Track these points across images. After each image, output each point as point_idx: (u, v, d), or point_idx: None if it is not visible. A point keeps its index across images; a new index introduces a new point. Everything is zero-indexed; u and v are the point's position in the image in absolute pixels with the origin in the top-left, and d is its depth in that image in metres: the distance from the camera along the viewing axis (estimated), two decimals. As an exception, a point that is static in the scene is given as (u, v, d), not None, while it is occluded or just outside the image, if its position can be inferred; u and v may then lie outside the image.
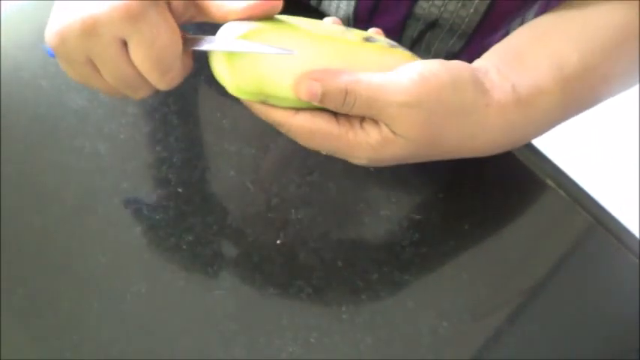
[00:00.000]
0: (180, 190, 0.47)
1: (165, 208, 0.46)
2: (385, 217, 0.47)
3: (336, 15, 0.55)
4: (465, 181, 0.50)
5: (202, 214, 0.46)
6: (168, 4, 0.36)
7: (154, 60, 0.36)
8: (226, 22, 0.37)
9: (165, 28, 0.35)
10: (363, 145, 0.37)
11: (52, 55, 0.38)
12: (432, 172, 0.49)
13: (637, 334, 0.45)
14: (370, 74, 0.35)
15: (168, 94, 0.51)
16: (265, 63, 0.36)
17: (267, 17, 0.36)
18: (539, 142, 0.51)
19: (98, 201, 0.46)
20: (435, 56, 0.53)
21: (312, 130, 0.37)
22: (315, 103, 0.36)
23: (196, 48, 0.37)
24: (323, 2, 0.56)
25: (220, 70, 0.37)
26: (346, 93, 0.35)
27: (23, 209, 0.46)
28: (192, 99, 0.51)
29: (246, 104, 0.38)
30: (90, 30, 0.35)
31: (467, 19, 0.51)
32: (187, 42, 0.37)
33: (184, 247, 0.45)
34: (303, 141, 0.38)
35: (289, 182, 0.48)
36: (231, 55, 0.36)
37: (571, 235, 0.49)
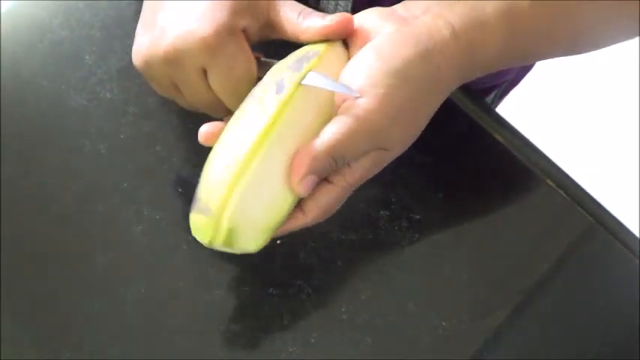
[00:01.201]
0: (180, 190, 0.47)
1: (166, 208, 0.46)
2: (385, 217, 0.47)
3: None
4: (465, 181, 0.50)
5: (202, 214, 0.46)
6: (244, 31, 0.38)
7: (230, 88, 0.38)
8: (299, 41, 0.38)
9: (241, 59, 0.37)
10: (362, 176, 0.37)
11: None
12: (432, 172, 0.49)
13: (637, 334, 0.45)
14: (330, 127, 0.35)
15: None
16: (255, 203, 0.35)
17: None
18: (539, 142, 0.51)
19: (98, 201, 0.46)
20: None
21: (325, 211, 0.38)
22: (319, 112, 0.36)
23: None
24: (322, 1, 0.56)
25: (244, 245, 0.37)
26: (334, 159, 0.35)
27: (23, 209, 0.46)
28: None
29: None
30: (172, 60, 0.37)
31: None
32: (261, 65, 0.39)
33: (184, 247, 0.45)
34: (324, 218, 0.39)
35: (289, 182, 0.48)
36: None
37: (571, 235, 0.49)
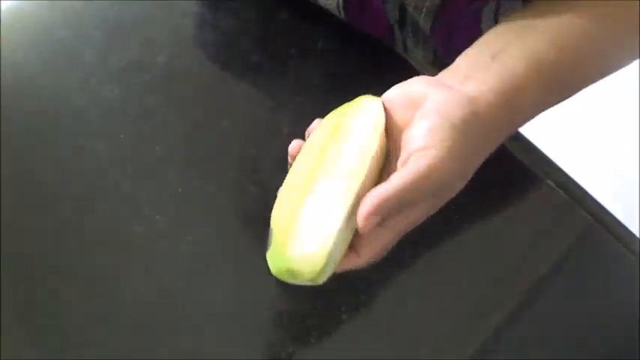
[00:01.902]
0: (180, 190, 0.47)
1: (166, 208, 0.46)
2: (385, 217, 0.47)
3: (326, 3, 0.55)
4: (465, 181, 0.50)
5: (202, 214, 0.46)
6: None
7: None
8: None
9: None
10: (412, 220, 0.39)
11: None
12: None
13: (637, 334, 0.45)
14: (402, 172, 0.36)
15: (168, 94, 0.51)
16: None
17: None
18: (539, 142, 0.51)
19: (98, 201, 0.46)
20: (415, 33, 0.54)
21: (378, 253, 0.39)
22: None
23: None
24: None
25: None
26: (400, 203, 0.36)
27: (23, 209, 0.46)
28: (192, 99, 0.51)
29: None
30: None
31: None
32: None
33: (184, 247, 0.45)
34: (375, 260, 0.39)
35: (289, 182, 0.48)
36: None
37: (571, 235, 0.49)
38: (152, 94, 0.51)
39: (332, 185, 0.38)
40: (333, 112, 0.41)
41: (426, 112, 0.38)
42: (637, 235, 0.48)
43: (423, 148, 0.36)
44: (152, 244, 0.45)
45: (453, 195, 0.39)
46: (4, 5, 0.54)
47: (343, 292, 0.44)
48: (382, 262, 0.45)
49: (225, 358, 0.42)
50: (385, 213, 0.36)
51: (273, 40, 0.53)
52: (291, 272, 0.37)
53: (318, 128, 0.41)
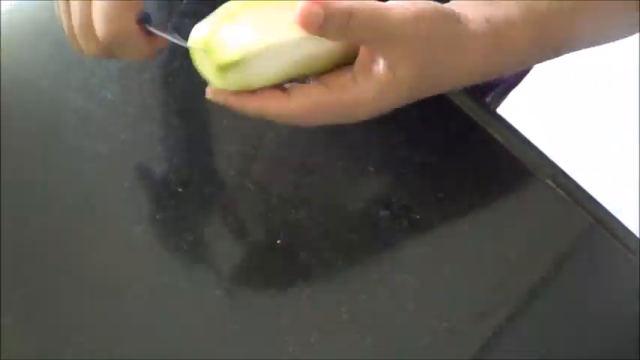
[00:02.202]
0: (180, 190, 0.47)
1: (165, 208, 0.46)
2: (385, 216, 0.47)
3: None
4: (465, 181, 0.50)
5: (202, 214, 0.46)
6: None
7: (101, 7, 0.38)
8: None
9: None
10: (363, 100, 0.36)
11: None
12: (432, 172, 0.49)
13: (637, 334, 0.45)
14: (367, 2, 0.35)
15: (168, 93, 0.51)
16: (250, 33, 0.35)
17: None
18: (539, 142, 0.51)
19: (98, 201, 0.46)
20: None
21: (310, 108, 0.36)
22: (314, 32, 0.34)
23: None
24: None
25: (201, 59, 0.36)
26: (350, 14, 0.33)
27: (23, 209, 0.46)
28: (192, 99, 0.51)
29: (236, 104, 0.37)
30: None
31: None
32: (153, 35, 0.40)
33: (184, 247, 0.45)
34: (304, 122, 0.37)
35: (289, 182, 0.48)
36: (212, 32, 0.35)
37: (571, 235, 0.49)
38: (152, 94, 0.51)
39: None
40: None
41: None
42: (637, 235, 0.48)
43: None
44: (152, 244, 0.45)
45: (408, 84, 0.36)
46: (4, 5, 0.54)
47: (343, 292, 0.44)
48: (382, 262, 0.46)
49: (225, 358, 0.41)
50: (331, 15, 0.33)
51: None
52: (207, 44, 0.35)
53: None
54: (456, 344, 0.43)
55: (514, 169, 0.50)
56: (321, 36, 0.34)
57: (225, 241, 0.45)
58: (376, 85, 0.36)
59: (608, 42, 0.44)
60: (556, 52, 0.42)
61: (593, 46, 0.44)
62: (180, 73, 0.52)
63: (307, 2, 0.33)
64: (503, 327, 0.44)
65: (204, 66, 0.36)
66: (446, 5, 0.38)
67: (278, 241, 0.45)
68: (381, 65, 0.36)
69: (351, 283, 0.45)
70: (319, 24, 0.33)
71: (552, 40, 0.41)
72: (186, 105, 0.51)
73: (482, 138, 0.51)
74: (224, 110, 0.51)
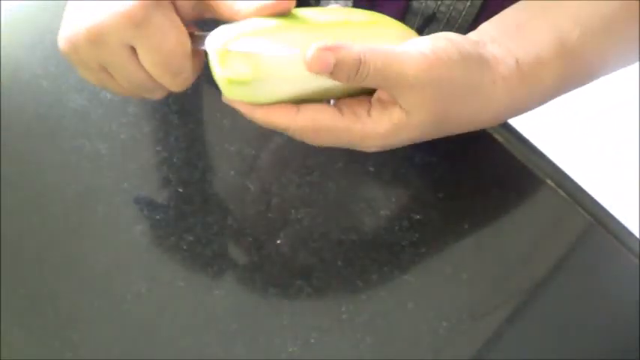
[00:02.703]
0: (180, 190, 0.47)
1: (166, 208, 0.46)
2: (385, 217, 0.47)
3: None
4: (465, 181, 0.50)
5: (202, 214, 0.46)
6: (174, 3, 0.36)
7: (163, 64, 0.36)
8: (234, 21, 0.36)
9: (171, 30, 0.35)
10: (372, 134, 0.36)
11: None
12: (432, 172, 0.49)
13: (637, 334, 0.45)
14: (382, 46, 0.34)
15: (168, 93, 0.51)
16: (264, 55, 0.35)
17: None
18: (539, 142, 0.51)
19: (98, 201, 0.46)
20: None
21: (317, 127, 0.36)
22: (325, 76, 0.34)
23: (202, 47, 0.36)
24: (321, 2, 0.56)
25: (214, 67, 0.36)
26: (360, 62, 0.33)
27: (23, 209, 0.46)
28: (192, 99, 0.51)
29: (245, 113, 0.37)
30: (96, 39, 0.35)
31: (464, 13, 0.51)
32: (196, 40, 0.37)
33: (184, 247, 0.45)
34: (309, 140, 0.37)
35: (289, 182, 0.48)
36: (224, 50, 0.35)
37: (571, 235, 0.49)
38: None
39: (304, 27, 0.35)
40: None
41: (438, 35, 0.36)
42: (637, 235, 0.48)
43: (415, 41, 0.34)
44: (152, 244, 0.45)
45: (421, 124, 0.36)
46: (4, 5, 0.54)
47: (343, 292, 0.44)
48: (382, 262, 0.46)
49: (225, 358, 0.42)
50: (340, 59, 0.33)
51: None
52: (222, 55, 0.35)
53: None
54: (456, 344, 0.43)
55: (514, 169, 0.50)
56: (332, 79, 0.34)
57: (226, 241, 0.45)
58: (388, 124, 0.36)
59: (624, 66, 0.44)
60: (581, 83, 0.42)
61: (612, 71, 0.43)
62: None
63: (318, 48, 0.33)
64: (503, 327, 0.44)
65: (215, 72, 0.36)
66: (472, 41, 0.37)
67: (278, 241, 0.45)
68: (397, 106, 0.36)
69: (351, 283, 0.45)
70: (329, 71, 0.34)
71: (580, 73, 0.41)
72: (186, 105, 0.51)
73: (483, 138, 0.51)
74: (224, 110, 0.51)
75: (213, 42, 0.35)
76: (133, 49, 0.36)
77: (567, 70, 0.39)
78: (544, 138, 0.58)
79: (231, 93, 0.37)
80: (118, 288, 0.43)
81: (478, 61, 0.36)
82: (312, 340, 0.42)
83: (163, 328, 0.42)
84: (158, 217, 0.46)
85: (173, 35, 0.35)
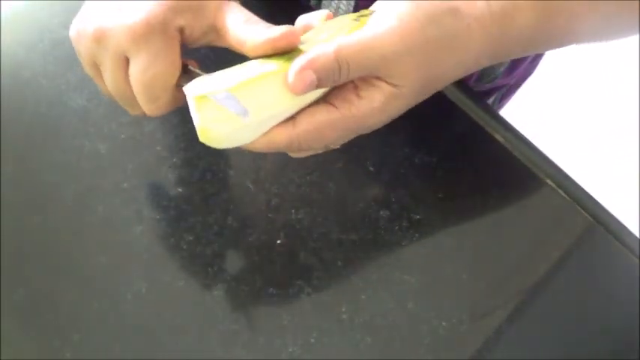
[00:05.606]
0: (180, 190, 0.47)
1: (166, 208, 0.46)
2: (385, 217, 0.47)
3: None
4: (465, 181, 0.50)
5: (202, 214, 0.46)
6: (181, 30, 0.37)
7: (143, 85, 0.37)
8: (241, 51, 0.37)
9: (163, 58, 0.36)
10: (370, 112, 0.36)
11: None
12: (432, 172, 0.49)
13: (637, 334, 0.45)
14: (349, 36, 0.34)
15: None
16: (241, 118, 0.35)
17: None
18: (539, 142, 0.51)
19: (98, 201, 0.46)
20: None
21: (318, 126, 0.36)
22: (314, 90, 0.35)
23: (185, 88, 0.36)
24: (323, 2, 0.56)
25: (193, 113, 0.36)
26: (338, 64, 0.34)
27: (23, 209, 0.46)
28: (192, 99, 0.51)
29: (246, 146, 0.38)
30: (99, 39, 0.37)
31: None
32: (186, 74, 0.38)
33: (184, 247, 0.45)
34: (314, 144, 0.37)
35: (289, 182, 0.48)
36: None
37: (571, 235, 0.49)
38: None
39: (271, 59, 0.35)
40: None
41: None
42: (637, 235, 0.48)
43: (379, 17, 0.34)
44: (152, 244, 0.45)
45: (412, 90, 0.36)
46: (4, 5, 0.54)
47: (343, 292, 0.44)
48: (382, 262, 0.46)
49: (225, 358, 0.42)
50: (320, 68, 0.33)
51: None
52: (198, 103, 0.35)
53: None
54: (455, 344, 0.43)
55: (514, 169, 0.50)
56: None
57: (225, 241, 0.45)
58: (381, 97, 0.36)
59: (614, 37, 0.42)
60: (561, 40, 0.40)
61: (599, 39, 0.42)
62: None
63: (296, 72, 0.34)
64: (503, 327, 0.44)
65: (193, 115, 0.36)
66: None
67: (278, 241, 0.46)
68: (382, 80, 0.36)
69: (351, 283, 0.45)
70: (315, 85, 0.34)
71: (558, 26, 0.39)
72: (186, 105, 0.51)
73: (483, 138, 0.51)
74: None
75: (195, 88, 0.35)
76: (127, 60, 0.37)
77: (544, 12, 0.38)
78: (544, 138, 0.58)
79: (203, 139, 0.36)
80: (117, 288, 0.43)
81: (447, 12, 0.36)
82: (312, 340, 0.42)
83: (163, 328, 0.42)
84: (158, 217, 0.46)
85: (161, 63, 0.36)
